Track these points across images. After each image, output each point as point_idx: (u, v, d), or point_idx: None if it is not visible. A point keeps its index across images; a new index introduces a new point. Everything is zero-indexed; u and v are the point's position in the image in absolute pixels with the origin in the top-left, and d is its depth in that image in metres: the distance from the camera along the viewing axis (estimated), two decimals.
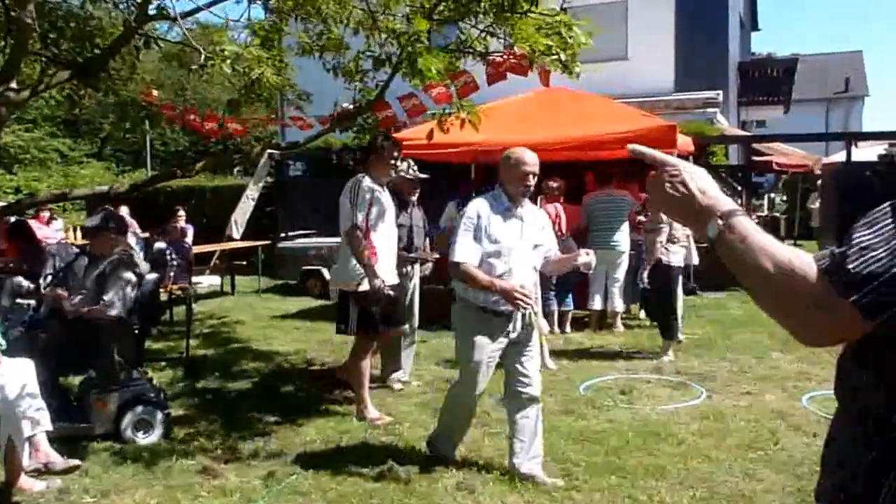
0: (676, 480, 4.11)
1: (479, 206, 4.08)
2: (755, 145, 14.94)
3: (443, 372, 6.68)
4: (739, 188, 12.05)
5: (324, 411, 5.54)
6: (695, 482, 4.06)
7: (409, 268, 6.30)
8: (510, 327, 4.10)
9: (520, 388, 4.17)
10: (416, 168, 6.32)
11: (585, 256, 4.08)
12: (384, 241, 5.35)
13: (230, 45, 4.38)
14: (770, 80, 20.35)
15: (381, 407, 5.60)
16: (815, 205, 15.69)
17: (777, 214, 18.38)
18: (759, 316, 7.72)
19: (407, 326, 6.32)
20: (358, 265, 5.14)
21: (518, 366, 4.17)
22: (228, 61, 4.40)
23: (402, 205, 6.16)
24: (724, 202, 1.25)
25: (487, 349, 4.07)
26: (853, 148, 12.75)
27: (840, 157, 13.78)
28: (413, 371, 6.58)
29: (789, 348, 6.95)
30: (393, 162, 5.50)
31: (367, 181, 5.32)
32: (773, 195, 20.49)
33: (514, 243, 4.07)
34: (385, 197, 5.45)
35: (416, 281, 6.43)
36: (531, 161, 4.05)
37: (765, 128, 25.46)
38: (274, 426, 5.24)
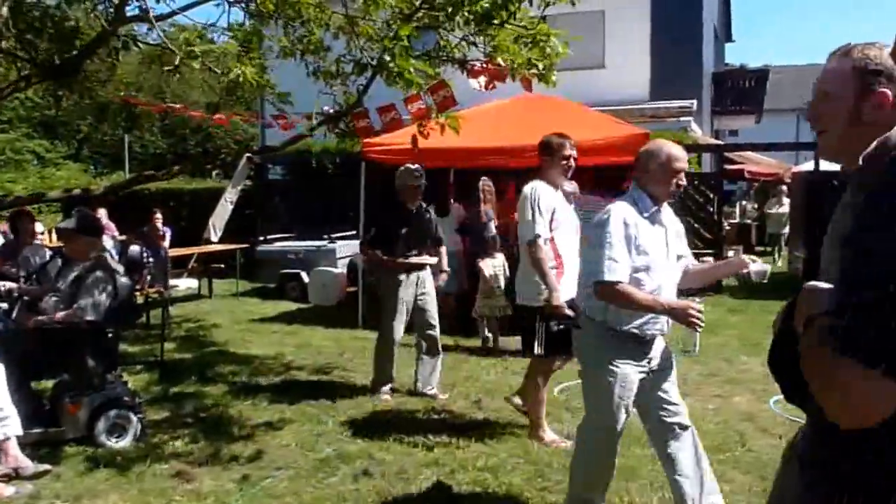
0: (647, 481, 4.17)
1: (624, 213, 3.37)
2: (728, 154, 15.18)
3: None
4: (712, 196, 12.24)
5: (300, 414, 5.55)
6: (665, 483, 4.09)
7: (421, 275, 6.18)
8: (652, 353, 3.54)
9: (669, 419, 3.56)
10: (420, 172, 6.13)
11: (754, 263, 3.55)
12: (568, 251, 4.85)
13: (201, 44, 4.39)
14: (743, 91, 20.68)
15: (356, 409, 5.62)
16: (773, 210, 16.02)
17: (748, 221, 18.67)
18: (729, 320, 7.87)
19: (431, 334, 6.22)
20: (541, 280, 4.64)
21: (660, 394, 3.56)
22: (199, 59, 4.40)
23: (404, 212, 6.09)
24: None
25: (633, 381, 3.46)
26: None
27: (809, 166, 14.00)
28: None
29: (757, 352, 7.06)
30: (565, 163, 4.92)
31: (542, 186, 4.85)
32: (744, 203, 20.81)
33: (661, 255, 3.47)
34: (563, 202, 4.98)
35: (429, 288, 6.26)
36: (682, 156, 3.45)
37: (737, 137, 26.09)
38: (250, 429, 5.24)
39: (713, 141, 17.57)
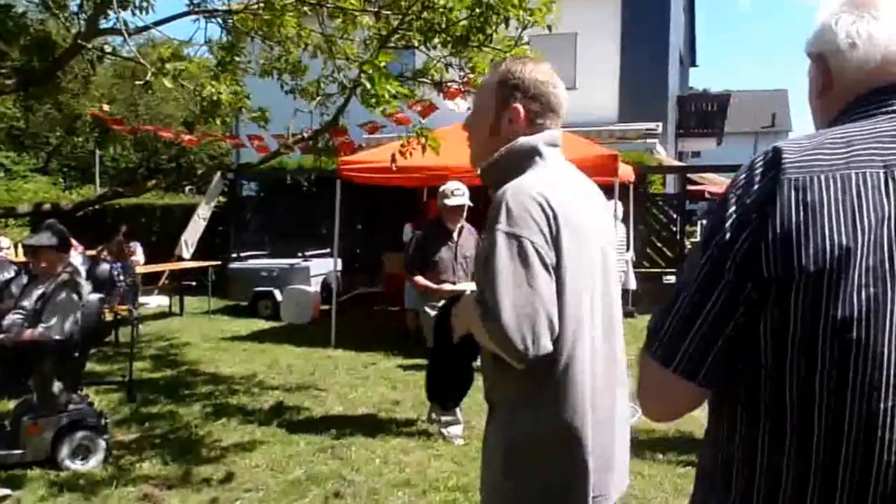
0: None
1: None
2: (690, 175, 15.50)
3: (391, 394, 6.65)
4: (675, 215, 12.49)
5: (271, 435, 5.47)
6: (627, 498, 4.13)
7: None
8: None
9: None
10: (455, 190, 5.59)
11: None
12: None
13: (173, 61, 4.34)
14: (705, 114, 21.28)
15: (327, 429, 5.56)
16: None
17: None
18: None
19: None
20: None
21: None
22: (170, 76, 4.35)
23: (445, 235, 5.64)
24: None
25: None
26: None
27: None
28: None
29: None
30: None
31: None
32: (705, 222, 21.19)
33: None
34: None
35: None
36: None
37: (700, 158, 26.99)
38: (219, 450, 5.16)
39: (676, 162, 17.94)
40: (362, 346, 8.70)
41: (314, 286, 11.36)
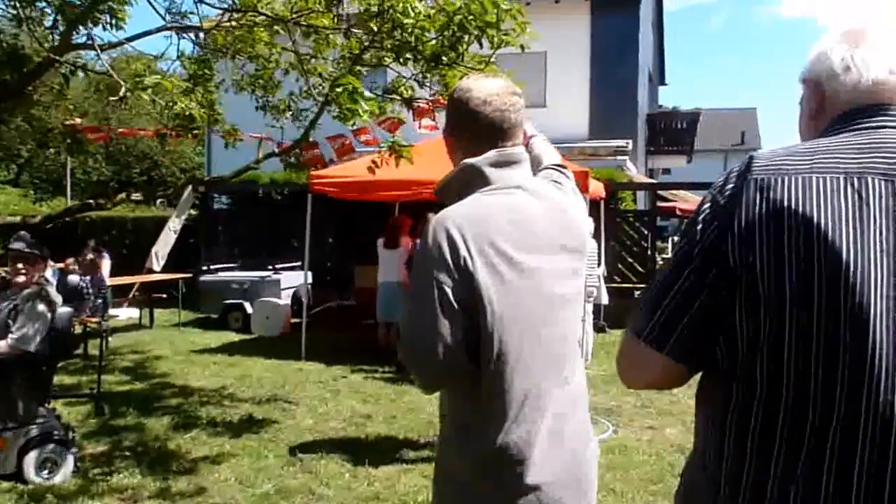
0: None
1: None
2: (661, 192, 15.74)
3: (361, 408, 6.69)
4: (646, 231, 12.68)
5: (240, 448, 5.49)
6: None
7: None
8: None
9: None
10: None
11: None
12: None
13: (150, 76, 4.38)
14: (675, 132, 21.53)
15: (297, 443, 5.59)
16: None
17: None
18: None
19: None
20: None
21: None
22: (149, 90, 4.39)
23: None
24: None
25: None
26: None
27: None
28: (338, 412, 6.55)
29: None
30: None
31: None
32: (676, 238, 21.44)
33: None
34: None
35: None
36: None
37: (670, 175, 27.24)
38: (188, 464, 5.16)
39: (647, 179, 18.16)
40: (333, 360, 8.72)
41: (285, 299, 11.36)
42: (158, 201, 20.53)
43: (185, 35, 5.79)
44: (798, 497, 1.12)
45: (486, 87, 1.85)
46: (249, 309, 11.31)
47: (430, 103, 5.41)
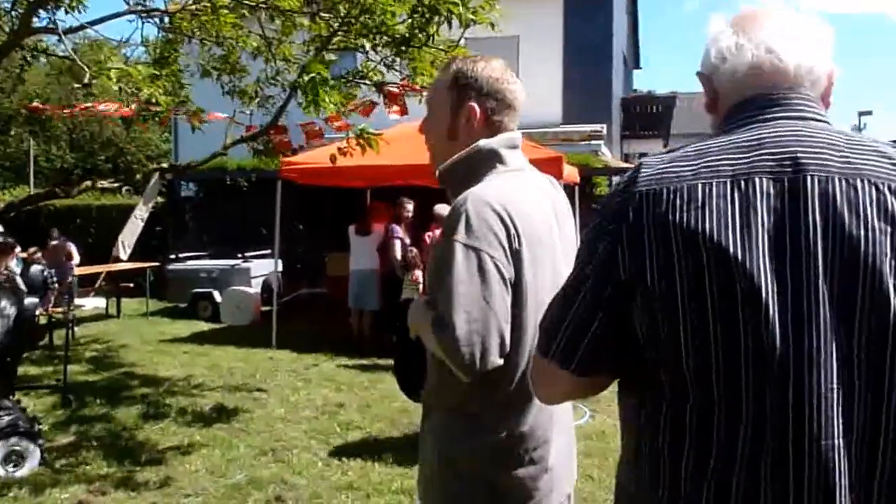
0: None
1: None
2: None
3: (334, 396, 6.65)
4: None
5: (211, 439, 5.42)
6: (577, 501, 4.20)
7: None
8: None
9: None
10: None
11: None
12: None
13: (116, 63, 4.27)
14: (651, 116, 21.43)
15: (269, 433, 5.54)
16: None
17: None
18: None
19: None
20: None
21: None
22: (115, 78, 4.28)
23: None
24: None
25: None
26: None
27: None
28: (300, 396, 6.50)
29: None
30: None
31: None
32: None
33: None
34: None
35: None
36: None
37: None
38: (157, 455, 5.09)
39: (622, 164, 18.20)
40: (305, 348, 8.66)
41: (255, 287, 11.25)
42: (125, 189, 20.20)
43: (149, 19, 5.66)
44: (711, 493, 1.13)
45: (496, 66, 1.85)
46: (219, 298, 11.18)
47: (401, 87, 5.35)
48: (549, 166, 8.21)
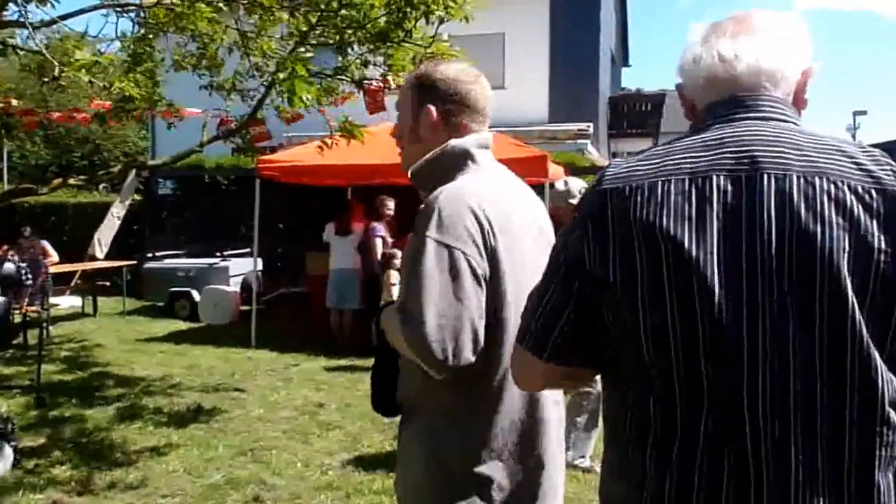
0: None
1: None
2: None
3: (314, 396, 6.59)
4: None
5: (188, 438, 5.35)
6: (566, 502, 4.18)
7: None
8: None
9: None
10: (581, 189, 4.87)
11: None
12: None
13: (84, 55, 4.15)
14: (639, 114, 21.33)
15: (248, 433, 5.48)
16: None
17: None
18: None
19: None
20: None
21: None
22: (83, 70, 4.17)
23: None
24: None
25: None
26: None
27: None
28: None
29: None
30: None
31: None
32: None
33: None
34: None
35: None
36: None
37: None
38: (134, 455, 5.02)
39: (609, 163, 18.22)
40: (285, 347, 8.59)
41: (234, 286, 11.15)
42: (101, 186, 19.98)
43: (123, 13, 5.56)
44: (673, 487, 1.15)
45: (457, 67, 1.88)
46: (197, 296, 11.07)
47: (380, 84, 5.30)
48: (533, 165, 8.19)
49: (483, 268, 1.64)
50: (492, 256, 1.65)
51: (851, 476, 1.10)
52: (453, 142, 1.80)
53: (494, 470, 1.71)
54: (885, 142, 5.86)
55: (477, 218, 1.64)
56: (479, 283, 1.63)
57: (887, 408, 1.11)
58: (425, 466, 1.75)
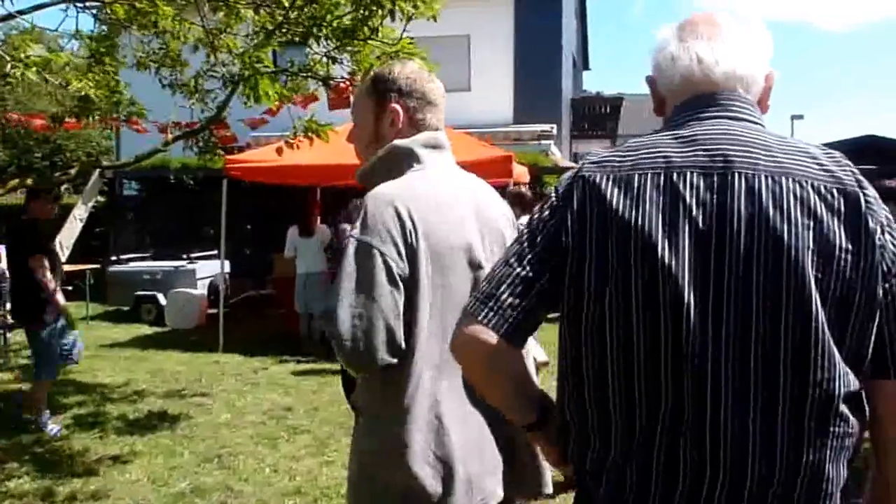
0: None
1: None
2: None
3: (281, 400, 6.49)
4: None
5: (152, 446, 5.22)
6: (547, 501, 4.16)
7: None
8: None
9: None
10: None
11: None
12: None
13: (36, 51, 3.98)
14: (599, 116, 21.73)
15: (214, 439, 5.37)
16: None
17: None
18: None
19: None
20: None
21: None
22: (34, 68, 4.00)
23: None
24: None
25: None
26: None
27: None
28: (250, 404, 6.33)
29: None
30: None
31: None
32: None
33: None
34: None
35: None
36: None
37: None
38: (94, 465, 4.88)
39: (572, 164, 18.35)
40: (252, 351, 8.47)
41: (200, 289, 10.97)
42: (63, 188, 19.60)
43: (83, 9, 5.41)
44: (634, 477, 1.19)
45: (412, 66, 1.91)
46: (163, 300, 10.87)
47: (347, 82, 5.23)
48: (499, 165, 8.22)
49: (401, 267, 1.63)
50: (412, 257, 1.64)
51: (807, 469, 1.14)
52: (398, 141, 1.81)
53: (409, 477, 1.65)
54: (830, 143, 5.98)
55: (399, 217, 1.64)
56: (395, 284, 1.62)
57: (841, 403, 1.15)
58: (357, 469, 1.77)
